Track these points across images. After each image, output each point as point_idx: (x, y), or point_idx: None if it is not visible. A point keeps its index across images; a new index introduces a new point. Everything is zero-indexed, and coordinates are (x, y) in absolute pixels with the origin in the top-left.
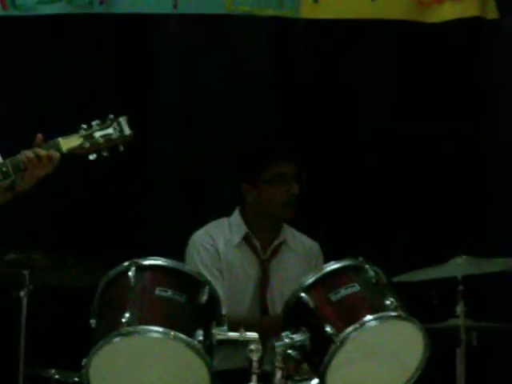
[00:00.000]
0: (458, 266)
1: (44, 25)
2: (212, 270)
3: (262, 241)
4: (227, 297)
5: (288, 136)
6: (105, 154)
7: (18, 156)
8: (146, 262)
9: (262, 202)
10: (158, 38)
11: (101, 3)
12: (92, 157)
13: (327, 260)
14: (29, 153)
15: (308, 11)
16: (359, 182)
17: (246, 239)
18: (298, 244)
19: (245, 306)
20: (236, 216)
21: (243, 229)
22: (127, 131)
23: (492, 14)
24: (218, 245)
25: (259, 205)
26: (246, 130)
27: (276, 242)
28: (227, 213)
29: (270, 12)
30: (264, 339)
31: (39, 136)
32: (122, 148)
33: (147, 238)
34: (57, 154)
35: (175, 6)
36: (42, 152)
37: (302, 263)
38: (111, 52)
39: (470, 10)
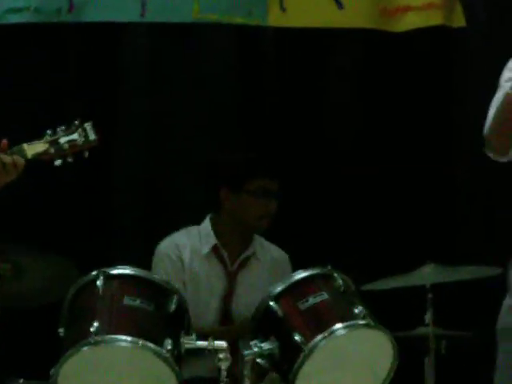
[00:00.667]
0: (427, 275)
1: (7, 32)
2: (175, 281)
3: (231, 252)
4: (191, 308)
5: (263, 150)
6: (70, 159)
7: None
8: (115, 271)
9: (239, 209)
10: (125, 46)
11: (69, 11)
12: (57, 163)
13: (295, 269)
14: None
15: (276, 19)
16: (327, 191)
17: (215, 250)
18: (266, 256)
19: (209, 317)
20: (206, 225)
21: (212, 239)
22: (92, 137)
23: (459, 22)
24: (183, 254)
25: (235, 212)
26: (213, 137)
27: (245, 254)
28: (195, 221)
29: (237, 20)
30: (233, 348)
31: (4, 142)
32: (86, 154)
33: (114, 246)
34: (22, 160)
35: (142, 15)
36: (7, 158)
37: (269, 276)
38: (77, 59)
39: (434, 19)
